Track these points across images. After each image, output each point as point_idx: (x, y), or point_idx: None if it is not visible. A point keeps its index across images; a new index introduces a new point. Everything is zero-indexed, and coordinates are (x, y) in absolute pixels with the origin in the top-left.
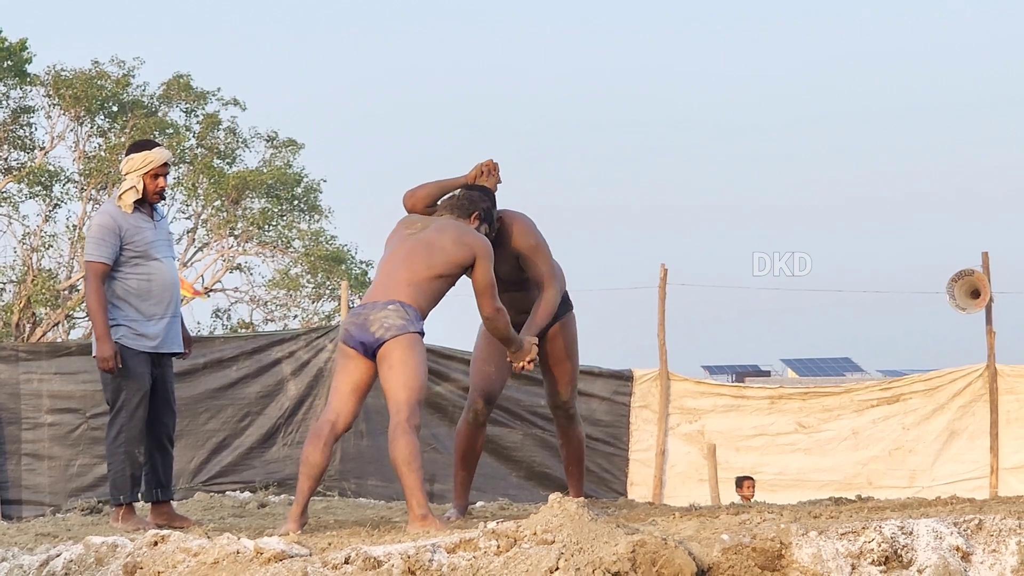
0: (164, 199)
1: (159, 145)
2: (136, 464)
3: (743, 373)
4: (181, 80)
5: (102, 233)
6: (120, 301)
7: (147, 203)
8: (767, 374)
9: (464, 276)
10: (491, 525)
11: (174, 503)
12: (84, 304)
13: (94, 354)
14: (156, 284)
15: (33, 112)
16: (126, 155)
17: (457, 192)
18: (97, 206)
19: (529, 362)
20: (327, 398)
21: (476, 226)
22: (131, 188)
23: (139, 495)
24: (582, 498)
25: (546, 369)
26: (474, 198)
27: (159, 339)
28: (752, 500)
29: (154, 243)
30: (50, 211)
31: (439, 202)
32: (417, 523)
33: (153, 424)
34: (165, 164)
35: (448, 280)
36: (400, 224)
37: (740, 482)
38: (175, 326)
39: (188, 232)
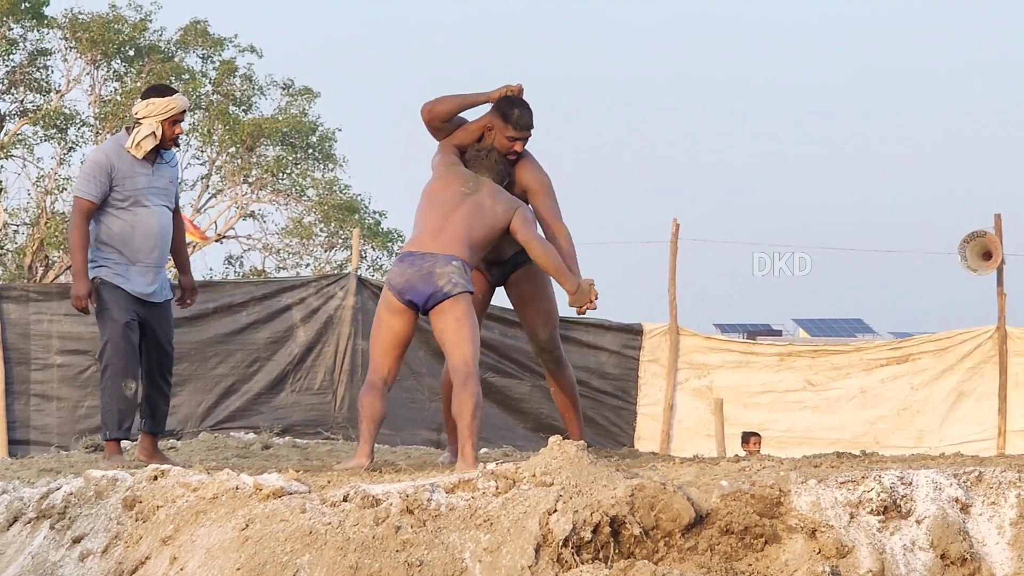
0: (179, 146)
1: (177, 91)
2: (122, 399)
3: (755, 332)
4: (198, 26)
5: (93, 170)
6: (102, 244)
7: (155, 149)
8: (779, 333)
9: None
10: (490, 466)
11: (178, 443)
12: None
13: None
14: (139, 231)
15: (50, 55)
16: (143, 99)
17: (491, 153)
18: None
19: (591, 302)
20: (371, 350)
21: None
22: (151, 134)
23: (127, 431)
24: (582, 441)
25: (519, 313)
26: (509, 167)
27: (141, 286)
28: None
29: (147, 190)
30: (65, 154)
31: (470, 153)
32: (463, 461)
33: (148, 364)
34: (184, 111)
35: (489, 249)
36: (448, 172)
37: (747, 438)
38: (159, 277)
39: (202, 178)
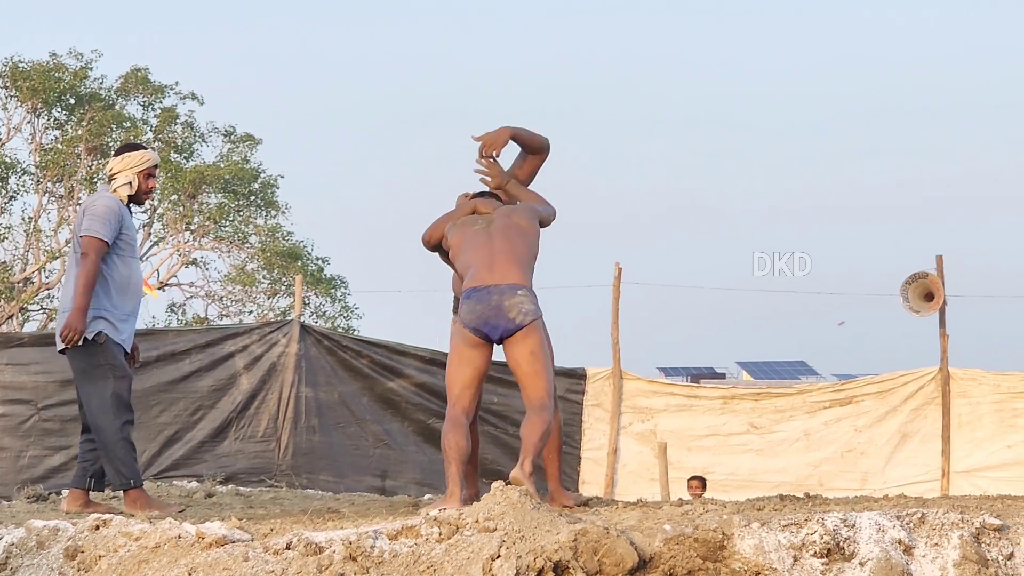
0: (152, 200)
1: (148, 148)
2: (133, 448)
3: (698, 375)
4: (139, 73)
5: (110, 215)
6: (105, 292)
7: (130, 203)
8: (722, 376)
9: None
10: (433, 512)
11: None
12: (60, 284)
13: (58, 332)
14: (133, 281)
15: None
16: (117, 155)
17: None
18: (53, 199)
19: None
20: (451, 384)
21: None
22: (127, 184)
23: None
24: (525, 487)
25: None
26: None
27: (126, 335)
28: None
29: (136, 241)
30: (5, 203)
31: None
32: (559, 495)
33: None
34: (156, 166)
35: (537, 252)
36: (457, 224)
37: (689, 481)
38: (134, 327)
39: (144, 226)
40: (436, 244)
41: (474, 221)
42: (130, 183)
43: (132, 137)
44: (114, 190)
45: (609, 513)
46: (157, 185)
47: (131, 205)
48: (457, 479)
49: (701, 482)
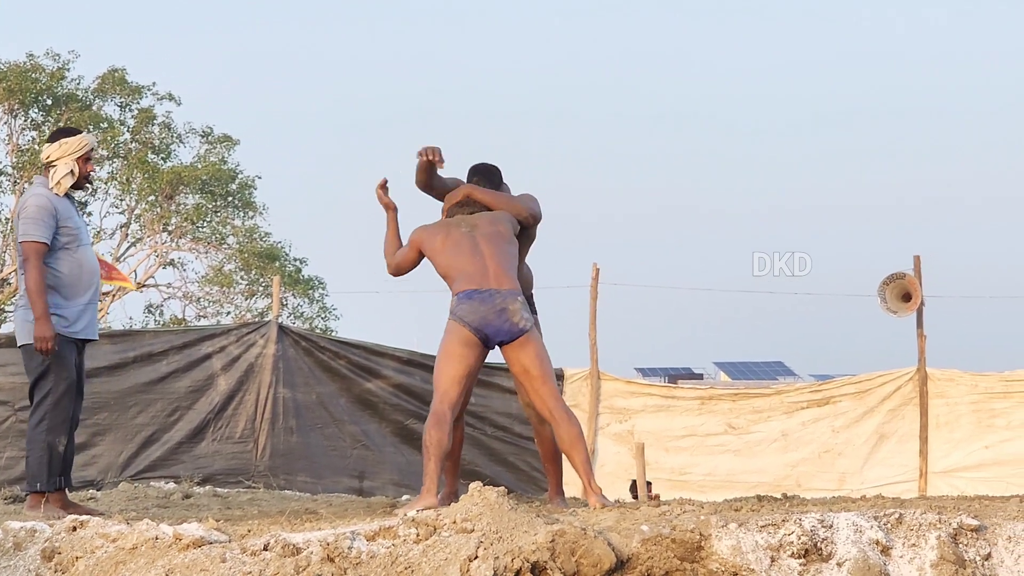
0: (92, 184)
1: (82, 131)
2: (55, 453)
3: (676, 375)
4: (116, 74)
5: (41, 214)
6: (50, 289)
7: (71, 188)
8: (700, 377)
9: None
10: (411, 513)
11: (98, 493)
12: (18, 291)
13: (20, 342)
14: (85, 270)
15: None
16: (53, 141)
17: (464, 206)
18: None
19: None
20: (439, 380)
21: None
22: (69, 173)
23: (54, 485)
24: (502, 487)
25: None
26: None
27: (83, 325)
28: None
29: (82, 228)
30: None
31: (451, 212)
32: (593, 495)
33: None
34: (93, 148)
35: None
36: (438, 225)
37: (635, 486)
38: (96, 313)
39: (121, 227)
40: (416, 260)
41: (457, 224)
42: (72, 171)
43: (109, 139)
44: (57, 182)
45: (587, 514)
46: (96, 168)
47: (72, 191)
48: (435, 476)
49: (648, 486)
